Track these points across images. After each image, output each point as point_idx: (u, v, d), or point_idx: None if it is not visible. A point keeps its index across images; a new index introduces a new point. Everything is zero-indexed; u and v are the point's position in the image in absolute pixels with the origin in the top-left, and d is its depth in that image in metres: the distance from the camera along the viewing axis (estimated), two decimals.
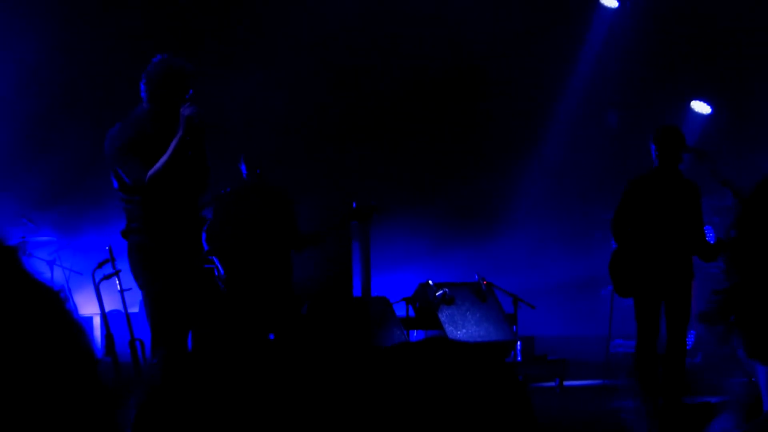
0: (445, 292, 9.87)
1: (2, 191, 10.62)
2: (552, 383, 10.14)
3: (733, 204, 8.42)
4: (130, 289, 7.01)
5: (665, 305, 7.44)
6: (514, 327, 10.06)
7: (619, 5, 12.95)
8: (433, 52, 12.91)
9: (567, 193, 13.60)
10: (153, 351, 5.74)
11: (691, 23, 12.60)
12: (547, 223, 13.46)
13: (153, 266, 5.66)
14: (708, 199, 8.30)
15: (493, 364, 1.72)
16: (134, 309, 8.33)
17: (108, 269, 7.94)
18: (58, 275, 10.40)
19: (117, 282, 7.93)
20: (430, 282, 10.00)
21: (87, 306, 9.72)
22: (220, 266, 7.49)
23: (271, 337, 8.10)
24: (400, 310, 9.92)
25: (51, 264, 10.37)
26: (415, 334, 10.02)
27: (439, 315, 9.77)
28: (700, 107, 12.61)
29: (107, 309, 8.13)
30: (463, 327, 9.75)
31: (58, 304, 1.45)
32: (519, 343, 10.24)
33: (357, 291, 11.36)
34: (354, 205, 8.70)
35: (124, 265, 6.10)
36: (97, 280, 7.93)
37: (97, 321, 9.78)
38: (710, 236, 10.55)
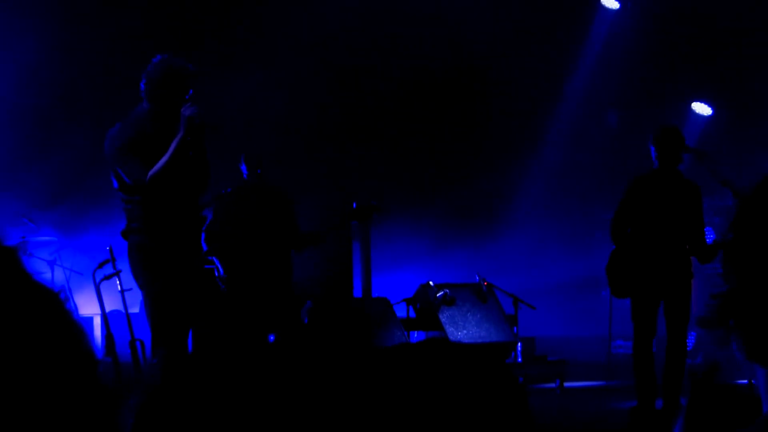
0: (445, 293, 9.86)
1: (3, 191, 10.62)
2: (552, 384, 10.14)
3: (733, 204, 8.42)
4: (130, 289, 7.01)
5: (665, 306, 7.43)
6: (515, 328, 10.06)
7: (620, 6, 12.96)
8: (433, 52, 12.91)
9: (567, 193, 13.60)
10: (153, 351, 5.74)
11: (692, 24, 12.60)
12: (547, 224, 13.46)
13: (153, 266, 5.66)
14: (709, 199, 8.29)
15: (491, 366, 1.72)
16: (135, 309, 8.33)
17: (108, 269, 7.95)
18: (58, 275, 10.40)
19: (117, 282, 7.93)
20: (431, 283, 10.00)
21: (87, 306, 9.72)
22: (220, 266, 7.49)
23: (271, 337, 8.10)
24: (401, 311, 9.92)
25: (51, 264, 10.37)
26: (415, 335, 10.01)
27: (440, 316, 9.76)
28: (701, 108, 12.61)
29: (108, 309, 8.14)
30: (463, 328, 9.75)
31: (58, 304, 1.45)
32: (519, 343, 10.24)
33: (357, 291, 11.36)
34: (354, 205, 8.71)
35: (124, 266, 6.10)
36: (97, 280, 7.94)
37: (97, 321, 9.78)
38: (711, 237, 10.56)
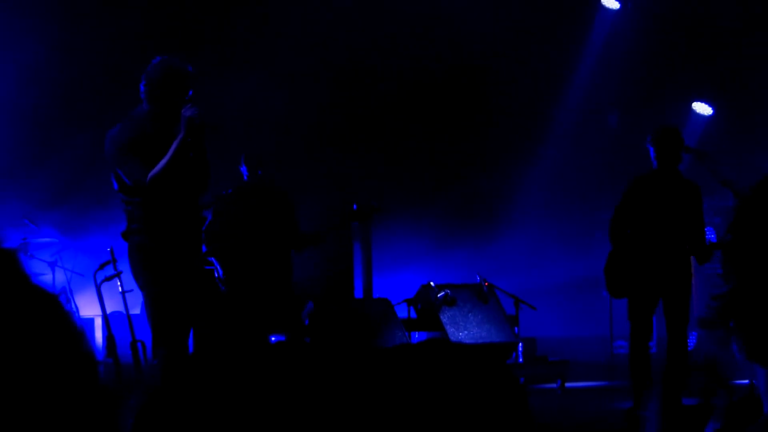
0: (446, 294, 9.86)
1: (4, 192, 10.62)
2: (554, 384, 10.14)
3: (734, 205, 8.41)
4: (131, 290, 7.01)
5: (664, 306, 7.43)
6: (516, 328, 10.06)
7: (620, 6, 12.96)
8: (433, 52, 12.91)
9: (568, 193, 13.60)
10: (154, 352, 5.74)
11: (692, 24, 12.60)
12: (548, 224, 13.46)
13: (153, 267, 5.65)
14: (709, 199, 8.29)
15: (492, 366, 1.72)
16: (135, 310, 8.33)
17: (109, 271, 7.95)
18: (59, 277, 10.39)
19: (118, 283, 7.94)
20: (432, 283, 10.00)
21: (88, 307, 9.71)
22: (218, 267, 7.49)
23: (272, 337, 8.10)
24: (402, 312, 9.91)
25: (52, 265, 10.37)
26: (416, 336, 10.01)
27: (441, 316, 9.76)
28: (702, 108, 12.61)
29: (109, 310, 8.14)
30: (464, 328, 9.75)
31: (57, 307, 1.45)
32: (520, 344, 10.24)
33: (358, 292, 11.37)
34: (354, 206, 8.70)
35: (125, 267, 6.10)
36: (98, 281, 7.94)
37: (98, 322, 9.78)
38: (712, 237, 10.56)
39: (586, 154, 13.30)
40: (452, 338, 9.46)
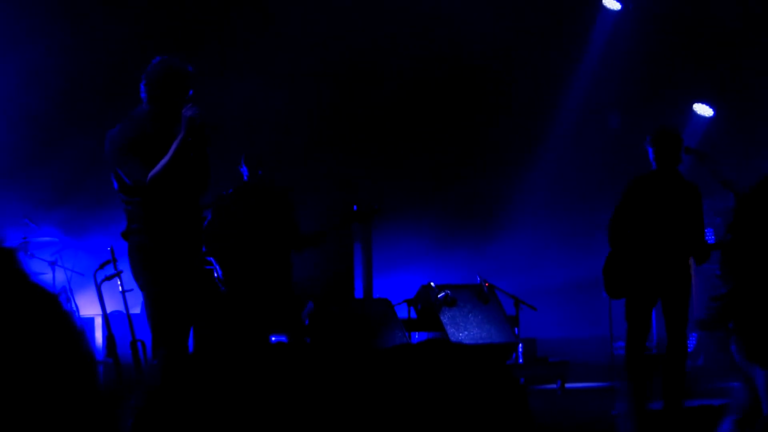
0: (447, 294, 9.86)
1: (4, 192, 10.62)
2: (554, 385, 10.14)
3: (734, 206, 8.40)
4: (131, 290, 7.00)
5: (664, 307, 7.42)
6: (516, 329, 10.06)
7: (621, 7, 12.95)
8: (433, 52, 12.91)
9: (568, 193, 13.60)
10: (154, 352, 5.73)
11: (693, 25, 12.59)
12: (548, 224, 13.46)
13: (153, 267, 5.65)
14: (710, 200, 8.29)
15: (492, 367, 1.72)
16: (136, 310, 8.33)
17: (110, 270, 7.95)
18: (59, 276, 10.39)
19: (119, 283, 7.94)
20: (432, 284, 10.00)
21: (89, 307, 9.71)
22: (217, 267, 7.49)
23: (272, 338, 8.10)
24: (402, 312, 9.91)
25: (53, 265, 10.37)
26: (416, 336, 10.01)
27: (441, 317, 9.76)
28: (702, 110, 12.61)
29: (109, 310, 8.14)
30: (464, 329, 9.75)
31: (56, 306, 1.44)
32: (521, 345, 10.24)
33: (359, 292, 11.37)
34: (355, 207, 8.70)
35: (125, 266, 6.10)
36: (98, 281, 7.94)
37: (98, 322, 9.78)
38: (712, 238, 10.55)
39: (586, 155, 13.29)
40: (452, 339, 9.45)
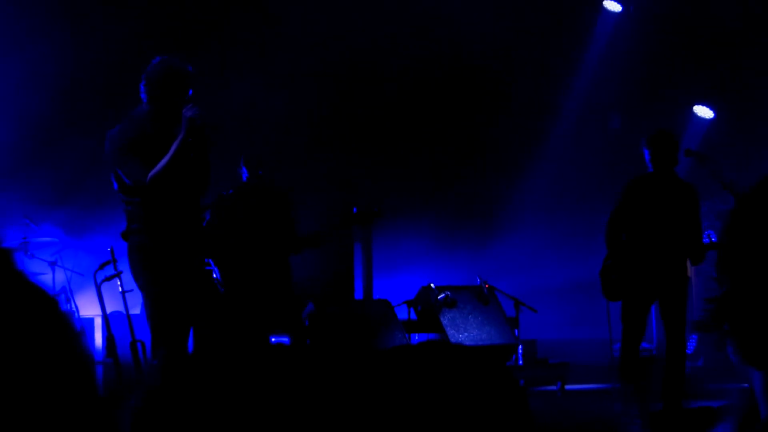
0: (447, 295, 9.85)
1: (4, 192, 10.61)
2: (554, 387, 10.13)
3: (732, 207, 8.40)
4: (131, 290, 7.00)
5: (661, 309, 7.42)
6: (516, 330, 10.05)
7: (622, 9, 12.95)
8: (433, 52, 12.91)
9: (569, 195, 13.60)
10: (154, 352, 5.73)
11: (694, 27, 12.59)
12: (548, 226, 13.46)
13: (153, 267, 5.65)
14: (710, 202, 8.29)
15: (492, 368, 1.72)
16: (135, 310, 8.33)
17: (110, 270, 7.95)
18: (59, 276, 10.39)
19: (118, 283, 7.93)
20: (432, 285, 10.00)
21: (88, 307, 9.71)
22: (215, 268, 7.49)
23: (272, 338, 8.10)
24: (402, 313, 9.91)
25: (53, 265, 10.36)
26: (416, 338, 10.01)
27: (441, 318, 9.75)
28: (703, 111, 12.61)
29: (109, 310, 8.14)
30: (464, 330, 9.74)
31: (53, 307, 1.44)
32: (521, 346, 10.23)
33: (359, 293, 11.36)
34: (354, 209, 8.69)
35: (125, 267, 6.09)
36: (98, 281, 7.94)
37: (98, 322, 9.78)
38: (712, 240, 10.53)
39: (586, 155, 13.30)
40: (452, 340, 9.45)
